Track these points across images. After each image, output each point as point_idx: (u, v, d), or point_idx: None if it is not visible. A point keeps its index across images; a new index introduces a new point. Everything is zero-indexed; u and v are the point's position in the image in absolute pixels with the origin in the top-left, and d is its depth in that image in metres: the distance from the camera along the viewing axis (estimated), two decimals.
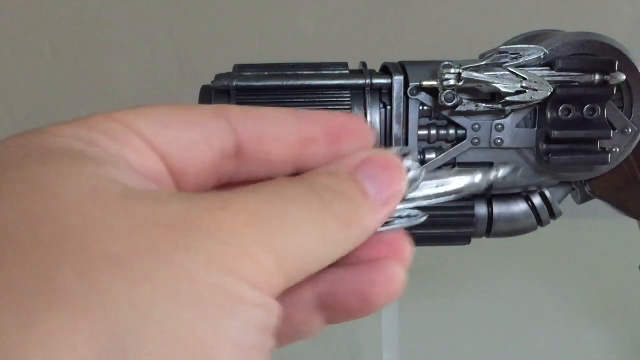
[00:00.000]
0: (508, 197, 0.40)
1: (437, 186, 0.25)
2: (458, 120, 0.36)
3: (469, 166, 0.37)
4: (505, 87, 0.34)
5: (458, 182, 0.26)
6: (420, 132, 0.37)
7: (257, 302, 0.17)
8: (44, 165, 0.18)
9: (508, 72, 0.34)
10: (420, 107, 0.36)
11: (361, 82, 0.36)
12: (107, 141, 0.20)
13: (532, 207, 0.40)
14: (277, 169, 0.23)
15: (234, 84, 0.35)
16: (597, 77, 0.35)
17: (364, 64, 0.38)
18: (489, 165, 0.37)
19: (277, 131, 0.22)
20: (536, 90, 0.34)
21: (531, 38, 0.38)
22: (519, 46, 0.35)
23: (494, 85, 0.34)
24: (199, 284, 0.17)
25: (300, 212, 0.19)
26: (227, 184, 0.23)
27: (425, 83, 0.35)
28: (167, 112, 0.21)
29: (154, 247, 0.17)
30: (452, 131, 0.37)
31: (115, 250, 0.17)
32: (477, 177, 0.26)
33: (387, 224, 0.23)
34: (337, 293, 0.21)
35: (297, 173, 0.23)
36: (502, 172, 0.26)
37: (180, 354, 0.16)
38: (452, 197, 0.26)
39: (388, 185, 0.22)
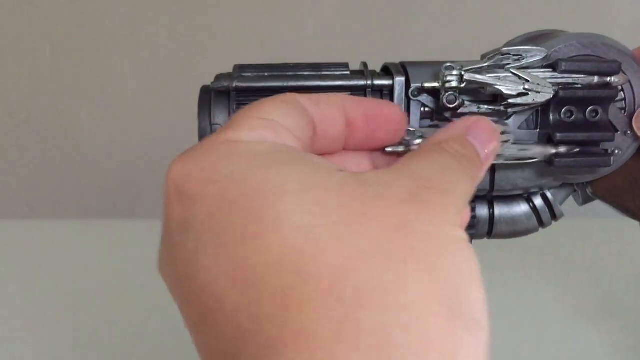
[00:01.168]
0: (509, 198, 0.40)
1: (519, 150, 0.33)
2: None
3: None
4: (508, 89, 0.34)
5: (535, 150, 0.34)
6: None
7: (468, 239, 0.24)
8: (293, 166, 0.24)
9: (510, 74, 0.34)
10: (422, 109, 0.36)
11: (362, 82, 0.36)
12: (282, 135, 0.26)
13: (534, 208, 0.40)
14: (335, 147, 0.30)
15: (234, 84, 0.35)
16: (601, 78, 0.35)
17: (364, 65, 0.38)
18: (490, 169, 0.37)
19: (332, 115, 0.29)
20: (539, 92, 0.34)
21: (533, 39, 0.38)
22: (521, 47, 0.34)
23: (496, 87, 0.33)
24: (454, 237, 0.24)
25: (458, 179, 0.26)
26: None
27: (426, 84, 0.35)
28: (285, 106, 0.27)
29: (411, 218, 0.23)
30: None
31: (398, 220, 0.23)
32: (548, 149, 0.34)
33: None
34: None
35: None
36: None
37: (464, 274, 0.23)
38: (525, 161, 0.34)
39: (489, 144, 0.29)
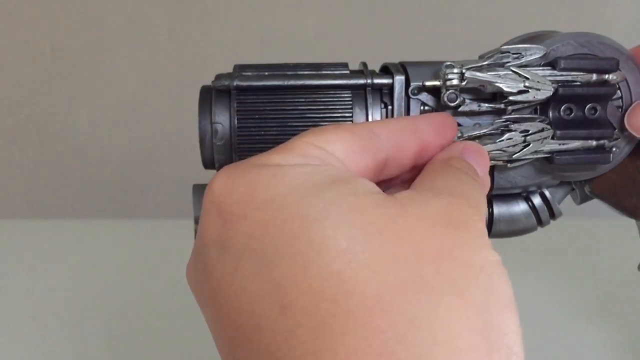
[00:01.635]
0: (508, 197, 0.40)
1: (560, 144, 0.35)
2: (459, 120, 0.36)
3: None
4: (508, 87, 0.34)
5: (575, 144, 0.35)
6: None
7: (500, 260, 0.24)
8: (334, 190, 0.24)
9: (510, 72, 0.34)
10: (422, 107, 0.36)
11: (362, 81, 0.36)
12: (331, 163, 0.26)
13: (532, 207, 0.40)
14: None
15: (235, 83, 0.35)
16: (599, 76, 0.35)
17: (364, 64, 0.38)
18: (490, 168, 0.37)
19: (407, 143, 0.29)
20: (539, 90, 0.34)
21: (530, 39, 0.38)
22: (520, 46, 0.35)
23: (497, 84, 0.34)
24: (490, 262, 0.24)
25: (476, 191, 0.27)
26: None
27: (427, 83, 0.35)
28: (347, 138, 0.27)
29: (449, 244, 0.23)
30: None
31: (436, 246, 0.23)
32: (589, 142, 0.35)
33: None
34: None
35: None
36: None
37: (500, 297, 0.23)
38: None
39: (484, 166, 0.31)
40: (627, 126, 0.36)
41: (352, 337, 0.21)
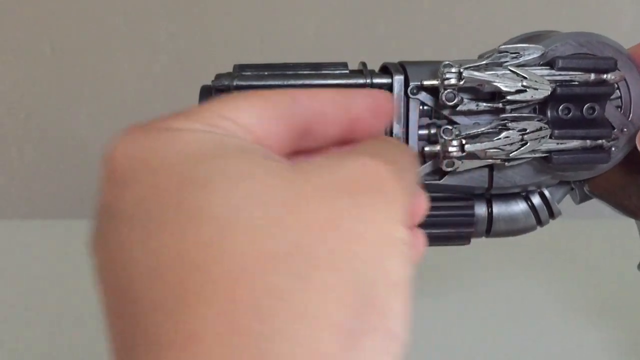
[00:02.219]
0: (507, 196, 0.40)
1: (558, 144, 0.35)
2: (458, 119, 0.36)
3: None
4: (506, 86, 0.34)
5: (574, 143, 0.35)
6: (421, 132, 0.37)
7: (408, 241, 0.23)
8: (226, 157, 0.23)
9: (508, 71, 0.34)
10: (421, 107, 0.36)
11: (361, 81, 0.36)
12: (235, 132, 0.25)
13: (532, 206, 0.40)
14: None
15: (235, 83, 0.35)
16: (597, 75, 0.35)
17: (363, 64, 0.38)
18: (489, 167, 0.37)
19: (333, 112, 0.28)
20: (537, 89, 0.34)
21: (529, 39, 0.38)
22: (518, 45, 0.35)
23: (495, 84, 0.34)
24: (390, 239, 0.22)
25: (405, 156, 0.26)
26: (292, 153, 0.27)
27: (426, 82, 0.35)
28: (259, 104, 0.25)
29: (347, 215, 0.22)
30: None
31: (329, 215, 0.21)
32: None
33: None
34: None
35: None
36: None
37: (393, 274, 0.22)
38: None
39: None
40: (638, 146, 0.36)
41: (212, 310, 0.20)
